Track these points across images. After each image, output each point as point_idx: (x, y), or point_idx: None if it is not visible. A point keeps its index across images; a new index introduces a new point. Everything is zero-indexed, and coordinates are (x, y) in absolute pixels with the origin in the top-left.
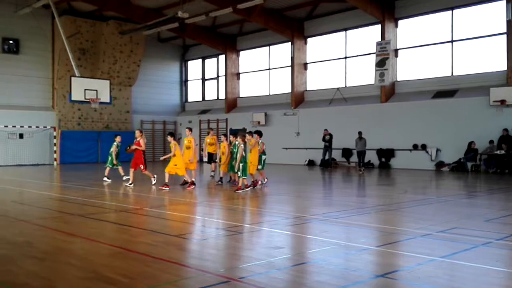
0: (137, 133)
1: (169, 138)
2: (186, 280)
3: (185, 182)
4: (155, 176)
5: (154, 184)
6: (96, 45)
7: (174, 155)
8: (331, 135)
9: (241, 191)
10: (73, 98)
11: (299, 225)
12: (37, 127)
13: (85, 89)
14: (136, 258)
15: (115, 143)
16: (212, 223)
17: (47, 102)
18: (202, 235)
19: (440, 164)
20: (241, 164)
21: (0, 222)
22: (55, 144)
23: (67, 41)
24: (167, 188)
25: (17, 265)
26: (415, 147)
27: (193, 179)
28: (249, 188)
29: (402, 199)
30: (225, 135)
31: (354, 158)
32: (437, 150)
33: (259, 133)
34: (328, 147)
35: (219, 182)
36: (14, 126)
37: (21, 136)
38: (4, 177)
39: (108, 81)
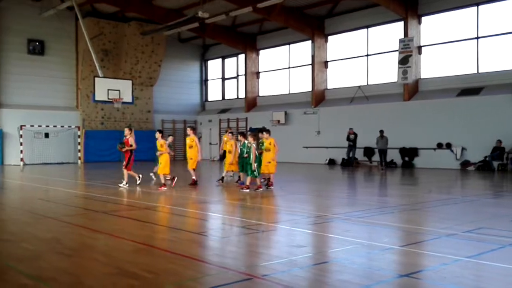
0: (126, 131)
1: (157, 135)
2: (209, 277)
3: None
4: (140, 176)
5: (139, 184)
6: (118, 46)
7: (160, 154)
8: (355, 134)
9: (260, 189)
10: (96, 98)
11: (321, 224)
12: (62, 126)
13: (108, 89)
14: (159, 254)
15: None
16: (233, 221)
17: (72, 102)
18: (224, 233)
19: (465, 163)
20: (255, 164)
21: (28, 219)
22: (79, 143)
23: (90, 42)
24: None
25: (45, 261)
26: (439, 146)
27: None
28: (261, 189)
29: (427, 199)
30: (232, 133)
31: (376, 157)
32: (462, 149)
33: (268, 131)
34: (352, 147)
35: (220, 181)
36: (40, 126)
37: (46, 135)
38: (31, 176)
39: (130, 81)
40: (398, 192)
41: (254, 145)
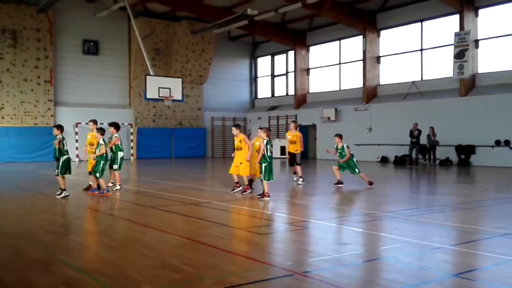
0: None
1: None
2: (250, 272)
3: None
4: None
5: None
6: (169, 45)
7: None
8: (419, 131)
9: (267, 198)
10: (148, 96)
11: (369, 222)
12: None
13: (159, 88)
14: (202, 249)
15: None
16: (279, 218)
17: (125, 100)
18: (269, 229)
19: None
20: (263, 165)
21: (79, 213)
22: (132, 140)
23: (142, 41)
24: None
25: (91, 253)
26: (497, 143)
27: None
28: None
29: (482, 197)
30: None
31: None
32: None
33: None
34: (415, 143)
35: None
36: None
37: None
38: (85, 171)
39: (180, 80)
40: (452, 190)
41: (265, 141)
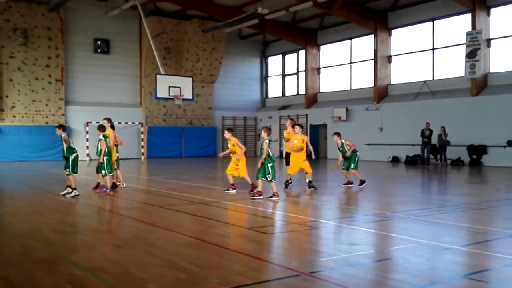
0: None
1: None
2: (256, 272)
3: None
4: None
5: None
6: (180, 44)
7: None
8: (431, 131)
9: (276, 198)
10: (158, 95)
11: (378, 222)
12: (126, 123)
13: (169, 87)
14: (209, 248)
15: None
16: (288, 218)
17: (135, 99)
18: (276, 229)
19: None
20: (269, 165)
21: (88, 212)
22: (142, 139)
23: (153, 40)
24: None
25: (98, 252)
26: (509, 143)
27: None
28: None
29: (493, 198)
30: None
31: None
32: None
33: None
34: (427, 143)
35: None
36: None
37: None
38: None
39: (190, 78)
40: (463, 191)
41: (267, 141)
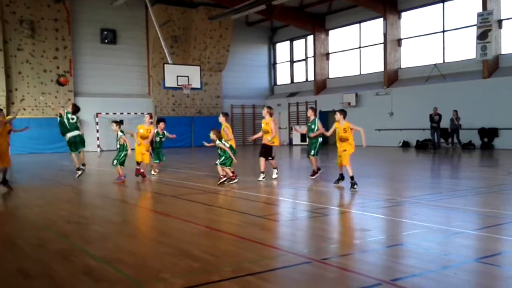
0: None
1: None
2: (268, 260)
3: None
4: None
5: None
6: (187, 32)
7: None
8: (440, 115)
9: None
10: (166, 85)
11: (389, 207)
12: (135, 113)
13: (177, 76)
14: (221, 237)
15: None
16: (299, 205)
17: (144, 89)
18: (287, 216)
19: None
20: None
21: (101, 203)
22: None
23: (159, 29)
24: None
25: (112, 242)
26: None
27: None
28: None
29: (505, 181)
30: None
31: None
32: None
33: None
34: (436, 128)
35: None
36: (115, 113)
37: (121, 122)
38: (106, 161)
39: (198, 67)
40: (475, 174)
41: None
